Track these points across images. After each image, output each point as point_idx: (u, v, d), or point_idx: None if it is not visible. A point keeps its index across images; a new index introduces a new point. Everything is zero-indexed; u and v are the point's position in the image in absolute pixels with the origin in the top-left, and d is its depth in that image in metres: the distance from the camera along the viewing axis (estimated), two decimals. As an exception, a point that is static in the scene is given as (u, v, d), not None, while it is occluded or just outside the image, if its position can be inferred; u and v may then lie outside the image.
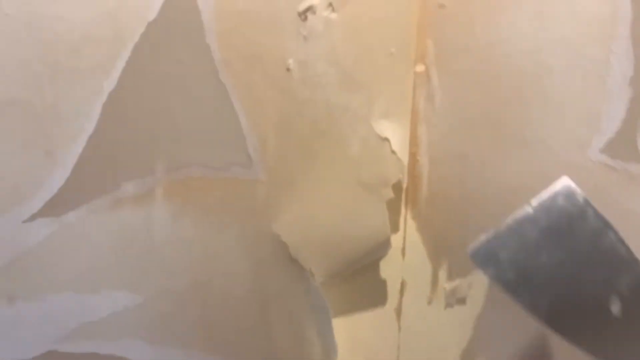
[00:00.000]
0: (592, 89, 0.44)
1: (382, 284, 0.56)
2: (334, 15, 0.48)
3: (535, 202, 0.38)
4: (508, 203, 0.40)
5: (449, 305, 0.54)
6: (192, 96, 0.47)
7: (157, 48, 0.44)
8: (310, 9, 0.48)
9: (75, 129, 0.44)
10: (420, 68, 0.53)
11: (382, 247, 0.53)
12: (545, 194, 0.38)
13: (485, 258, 0.38)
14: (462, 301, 0.54)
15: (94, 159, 0.44)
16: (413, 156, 0.54)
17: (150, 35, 0.44)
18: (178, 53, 0.45)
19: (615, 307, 0.37)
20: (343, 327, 0.54)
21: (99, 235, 0.45)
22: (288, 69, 0.48)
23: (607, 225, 0.37)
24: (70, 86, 0.44)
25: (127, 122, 0.45)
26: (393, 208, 0.54)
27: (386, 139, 0.51)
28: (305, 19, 0.47)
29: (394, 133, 0.51)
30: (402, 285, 0.56)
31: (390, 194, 0.51)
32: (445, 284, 0.54)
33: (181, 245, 0.48)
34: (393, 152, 0.51)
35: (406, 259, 0.56)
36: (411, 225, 0.55)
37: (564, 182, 0.38)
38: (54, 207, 0.44)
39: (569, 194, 0.38)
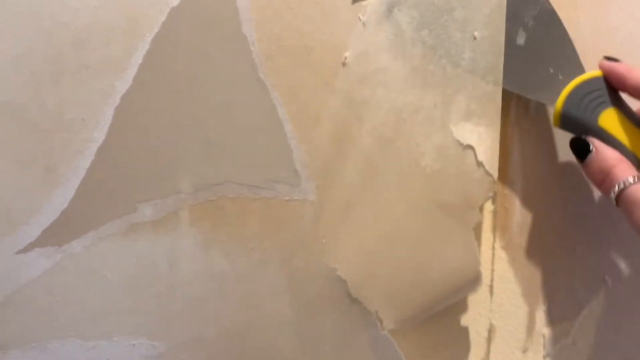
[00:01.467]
0: None
1: (464, 330, 0.47)
2: (401, -7, 0.42)
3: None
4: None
5: (549, 355, 0.48)
6: (225, 99, 0.43)
7: (181, 40, 0.41)
8: None
9: (82, 139, 0.40)
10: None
11: (471, 284, 0.44)
12: None
13: None
14: (566, 349, 0.47)
15: (104, 175, 0.40)
16: (503, 168, 0.46)
17: (174, 24, 0.40)
18: (207, 46, 0.41)
19: (521, 38, 0.42)
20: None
21: (111, 269, 0.42)
22: (344, 64, 0.43)
23: None
24: (75, 87, 0.40)
25: (144, 130, 0.41)
26: (476, 235, 0.46)
27: (469, 147, 0.42)
28: None
29: (480, 139, 0.42)
30: (490, 330, 0.48)
31: (478, 217, 0.42)
32: (544, 329, 0.47)
33: (211, 283, 0.44)
34: (479, 163, 0.42)
35: (495, 299, 0.47)
36: (501, 257, 0.47)
37: None
38: (55, 234, 0.40)
39: None
